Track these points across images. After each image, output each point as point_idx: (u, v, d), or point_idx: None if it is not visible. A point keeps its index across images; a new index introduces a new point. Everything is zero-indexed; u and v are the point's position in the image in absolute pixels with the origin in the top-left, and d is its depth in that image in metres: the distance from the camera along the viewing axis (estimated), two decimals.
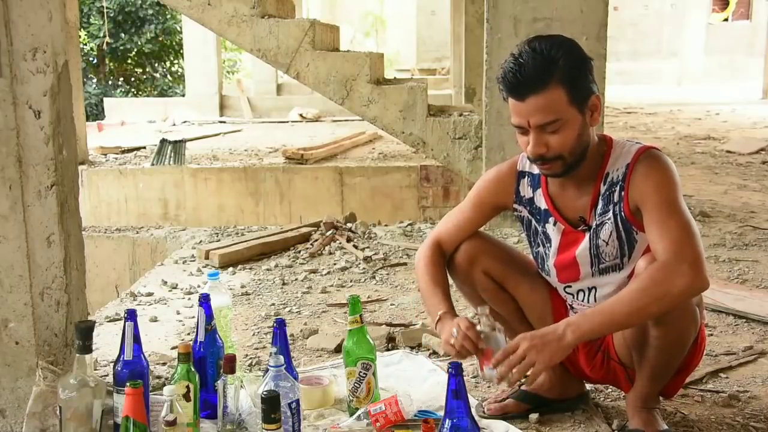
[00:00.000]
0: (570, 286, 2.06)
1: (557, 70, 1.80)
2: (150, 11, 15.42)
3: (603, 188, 1.93)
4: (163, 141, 7.95)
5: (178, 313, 3.33)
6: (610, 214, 1.91)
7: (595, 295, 2.03)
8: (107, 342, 2.88)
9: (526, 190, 2.07)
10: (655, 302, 1.74)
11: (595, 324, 1.78)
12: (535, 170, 2.03)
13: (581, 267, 1.99)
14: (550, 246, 2.04)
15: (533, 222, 2.07)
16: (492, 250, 2.10)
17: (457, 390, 1.57)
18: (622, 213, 1.90)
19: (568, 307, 2.12)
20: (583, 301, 2.06)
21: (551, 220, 2.02)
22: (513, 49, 1.89)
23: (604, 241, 1.93)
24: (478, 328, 1.85)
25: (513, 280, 2.11)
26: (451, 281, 2.13)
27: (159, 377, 2.48)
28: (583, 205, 1.97)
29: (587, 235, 1.96)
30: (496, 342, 1.84)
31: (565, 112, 1.82)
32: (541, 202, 2.04)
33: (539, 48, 1.82)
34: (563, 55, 1.81)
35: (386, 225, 5.02)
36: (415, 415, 2.07)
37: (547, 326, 1.82)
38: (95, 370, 2.02)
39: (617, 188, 1.90)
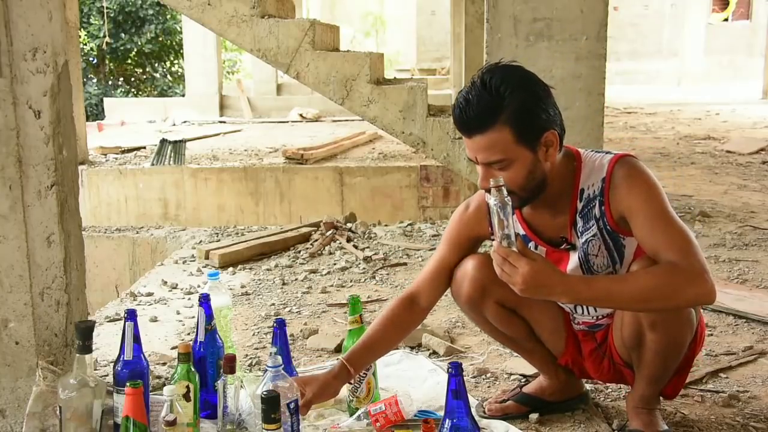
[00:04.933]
0: None
1: (504, 110, 1.75)
2: (150, 11, 15.44)
3: (580, 205, 1.89)
4: (163, 141, 7.95)
5: (178, 313, 3.33)
6: (595, 229, 1.88)
7: (595, 306, 2.03)
8: (107, 342, 2.88)
9: None
10: (662, 301, 1.73)
11: (594, 298, 1.79)
12: None
13: None
14: None
15: None
16: None
17: (457, 390, 1.57)
18: (608, 226, 1.87)
19: (571, 318, 2.12)
20: (582, 314, 2.06)
21: (531, 244, 1.97)
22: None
23: (593, 254, 1.91)
24: (489, 201, 1.74)
25: (526, 301, 2.03)
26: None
27: (159, 377, 2.48)
28: (562, 224, 1.94)
29: (574, 254, 1.94)
30: (506, 216, 1.73)
31: (511, 151, 1.77)
32: (518, 227, 1.99)
33: (490, 84, 1.76)
34: (513, 93, 1.75)
35: (386, 225, 5.02)
36: (415, 415, 2.07)
37: (553, 271, 1.73)
38: (95, 370, 2.01)
39: (596, 203, 1.87)
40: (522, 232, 1.99)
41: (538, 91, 1.80)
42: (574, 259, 1.94)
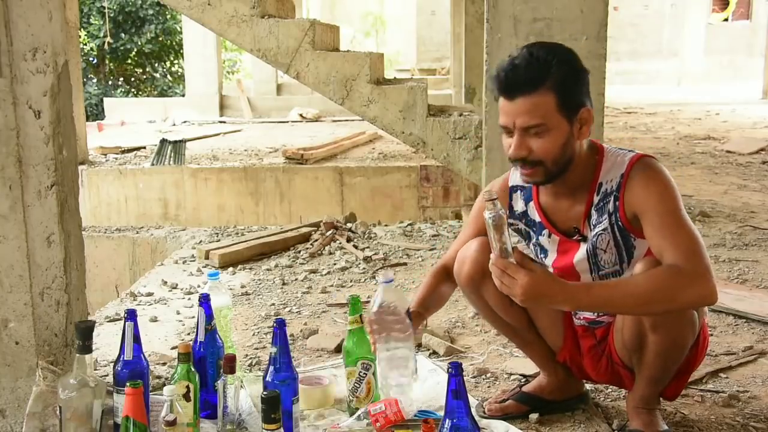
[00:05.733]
0: None
1: (550, 76, 1.81)
2: (150, 11, 15.43)
3: (596, 198, 1.92)
4: (163, 141, 7.95)
5: (178, 313, 3.33)
6: (606, 223, 1.90)
7: (597, 312, 2.02)
8: (107, 342, 2.88)
9: (518, 205, 2.07)
10: (663, 303, 1.74)
11: (595, 305, 1.82)
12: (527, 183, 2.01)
13: (581, 275, 1.99)
14: (546, 257, 2.04)
15: (531, 233, 2.07)
16: None
17: (457, 390, 1.57)
18: (619, 222, 1.89)
19: (572, 313, 2.12)
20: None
21: (545, 232, 2.01)
22: (512, 49, 1.88)
23: (602, 249, 1.92)
24: (485, 215, 1.76)
25: None
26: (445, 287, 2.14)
27: (159, 377, 2.48)
28: (577, 215, 1.96)
29: (584, 245, 1.95)
30: (502, 229, 1.75)
31: (551, 117, 1.82)
32: (535, 215, 2.03)
33: (536, 54, 1.83)
34: (559, 63, 1.82)
35: (386, 225, 5.02)
36: (415, 415, 2.07)
37: (553, 280, 1.76)
38: (95, 370, 2.02)
39: (611, 198, 1.89)
40: (538, 219, 2.02)
41: (579, 66, 1.87)
42: (582, 251, 1.96)
